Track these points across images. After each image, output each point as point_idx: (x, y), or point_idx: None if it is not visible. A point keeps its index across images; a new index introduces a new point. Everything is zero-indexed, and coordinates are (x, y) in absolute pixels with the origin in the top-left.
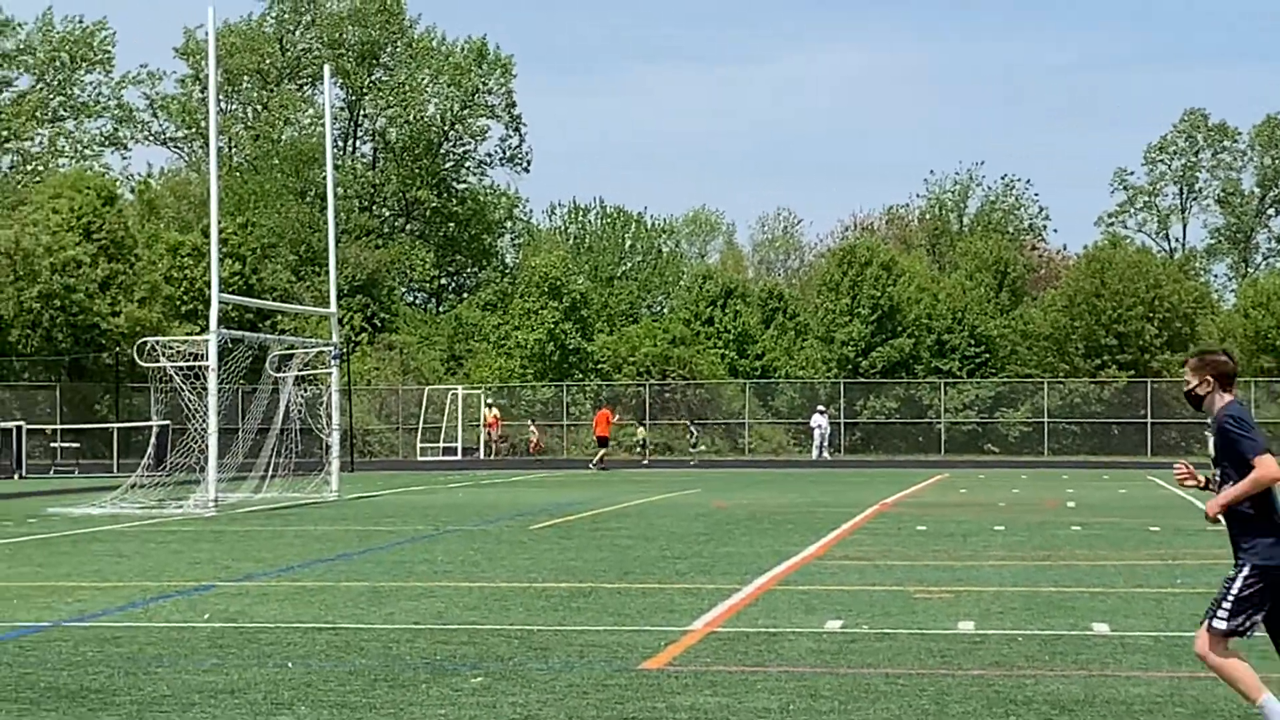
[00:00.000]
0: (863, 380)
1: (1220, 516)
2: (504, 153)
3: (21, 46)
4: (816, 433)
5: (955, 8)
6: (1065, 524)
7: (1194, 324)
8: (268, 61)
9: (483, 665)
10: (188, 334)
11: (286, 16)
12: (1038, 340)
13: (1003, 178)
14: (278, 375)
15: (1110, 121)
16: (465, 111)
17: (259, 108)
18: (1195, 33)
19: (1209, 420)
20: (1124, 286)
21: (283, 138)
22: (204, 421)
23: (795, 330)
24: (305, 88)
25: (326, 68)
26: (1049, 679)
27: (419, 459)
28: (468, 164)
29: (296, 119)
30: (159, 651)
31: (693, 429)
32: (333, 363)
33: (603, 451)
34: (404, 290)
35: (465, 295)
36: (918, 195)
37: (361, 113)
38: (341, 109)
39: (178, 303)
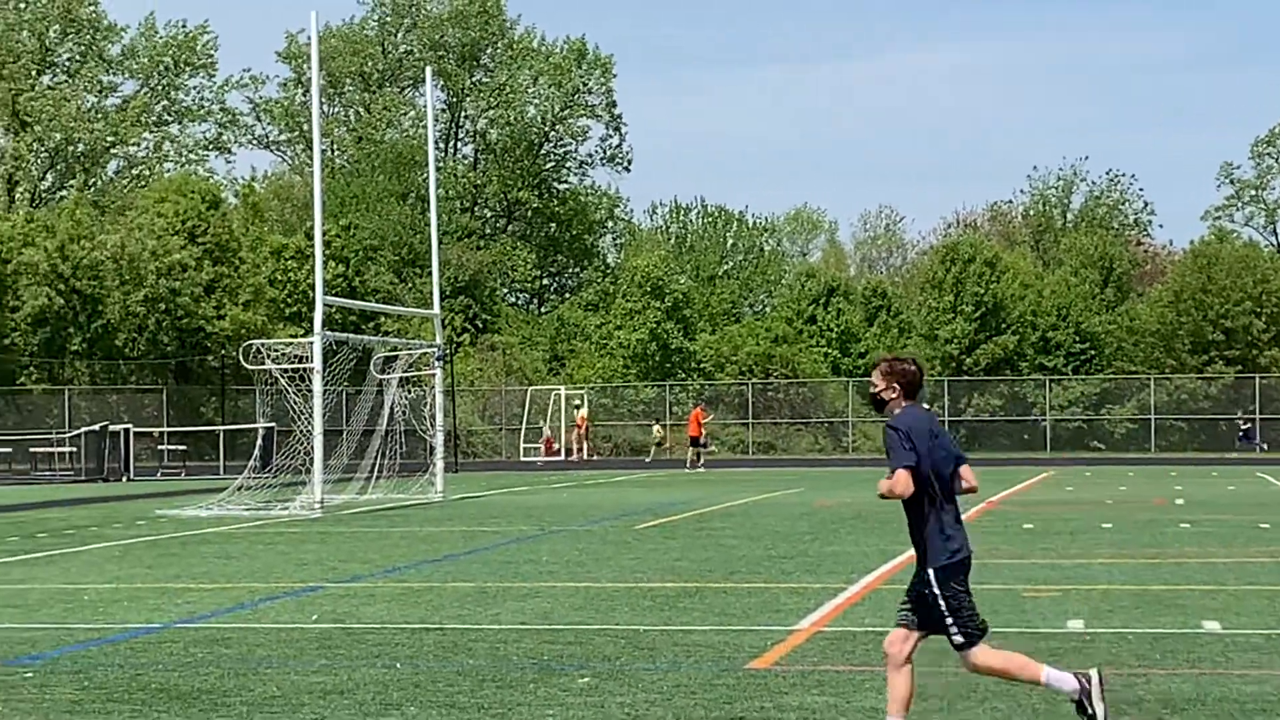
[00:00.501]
0: (966, 378)
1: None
2: (605, 152)
3: (126, 52)
4: None
5: (1059, 3)
6: (1174, 521)
7: None
8: (369, 64)
9: (590, 665)
10: (292, 336)
11: (388, 19)
12: (1144, 336)
13: (1107, 173)
14: (382, 377)
15: (1216, 115)
16: (566, 112)
17: (361, 110)
18: None
19: None
20: (1231, 281)
21: (384, 140)
22: (309, 423)
23: (898, 328)
24: (406, 90)
25: (428, 70)
26: (1160, 678)
27: (522, 459)
28: (568, 164)
29: (398, 121)
30: (268, 653)
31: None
32: (436, 364)
33: (694, 451)
34: (506, 291)
35: (567, 295)
36: (1021, 191)
37: (463, 114)
38: (443, 110)
39: (282, 305)
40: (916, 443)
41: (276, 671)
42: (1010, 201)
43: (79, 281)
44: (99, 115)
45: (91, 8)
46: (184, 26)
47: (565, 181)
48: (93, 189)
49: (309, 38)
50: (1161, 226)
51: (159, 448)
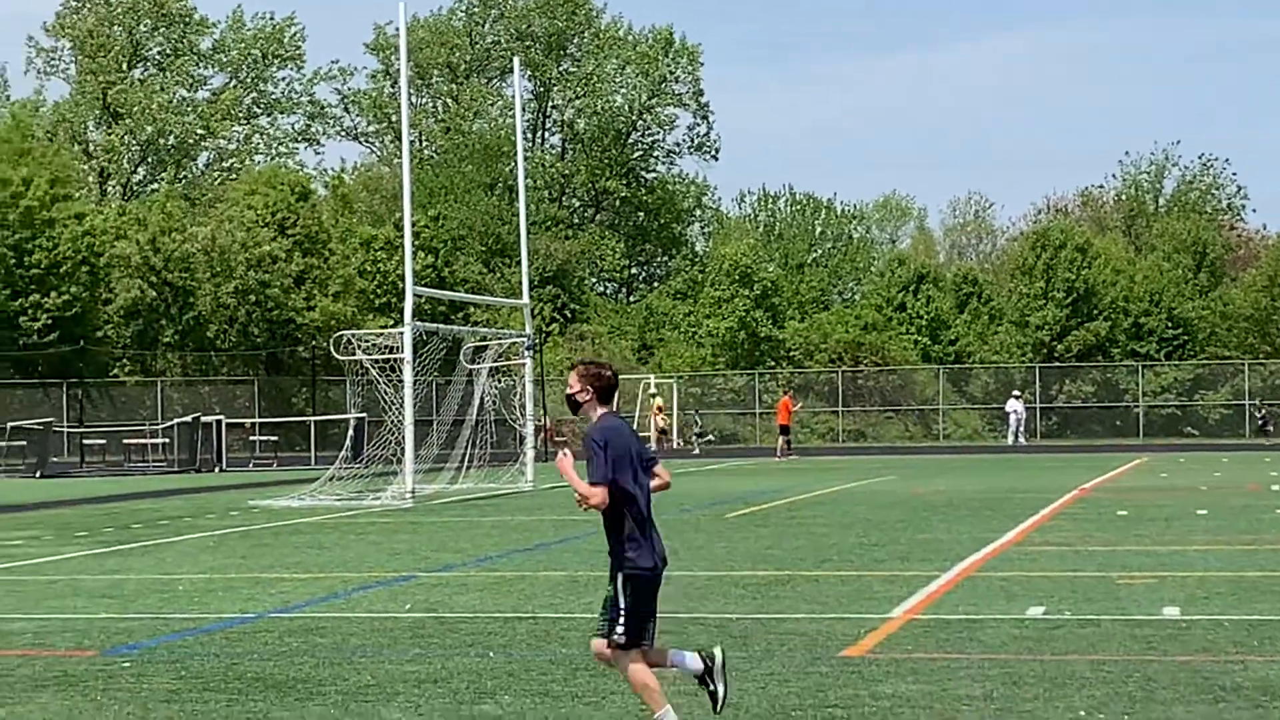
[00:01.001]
0: (1058, 364)
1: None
2: (692, 141)
3: (215, 45)
4: (1012, 418)
5: None
6: (1270, 507)
7: None
8: (457, 55)
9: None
10: (382, 327)
11: (475, 10)
12: (1238, 321)
13: (1200, 157)
14: (472, 367)
15: None
16: (653, 100)
17: (449, 101)
18: None
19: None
20: None
21: (472, 130)
22: (400, 414)
23: (989, 314)
24: (494, 80)
25: (516, 60)
26: (1257, 664)
27: (706, 446)
28: (656, 153)
29: (485, 111)
30: (362, 642)
31: (697, 418)
32: (526, 354)
33: (784, 440)
34: (594, 280)
35: (655, 284)
36: (1112, 176)
37: (550, 104)
38: (530, 100)
39: (371, 296)
40: (614, 451)
41: (371, 660)
42: (1101, 186)
43: (170, 274)
44: (189, 108)
45: (181, 2)
46: (272, 19)
47: (653, 170)
48: (183, 181)
49: (397, 29)
50: (1255, 211)
51: (251, 438)
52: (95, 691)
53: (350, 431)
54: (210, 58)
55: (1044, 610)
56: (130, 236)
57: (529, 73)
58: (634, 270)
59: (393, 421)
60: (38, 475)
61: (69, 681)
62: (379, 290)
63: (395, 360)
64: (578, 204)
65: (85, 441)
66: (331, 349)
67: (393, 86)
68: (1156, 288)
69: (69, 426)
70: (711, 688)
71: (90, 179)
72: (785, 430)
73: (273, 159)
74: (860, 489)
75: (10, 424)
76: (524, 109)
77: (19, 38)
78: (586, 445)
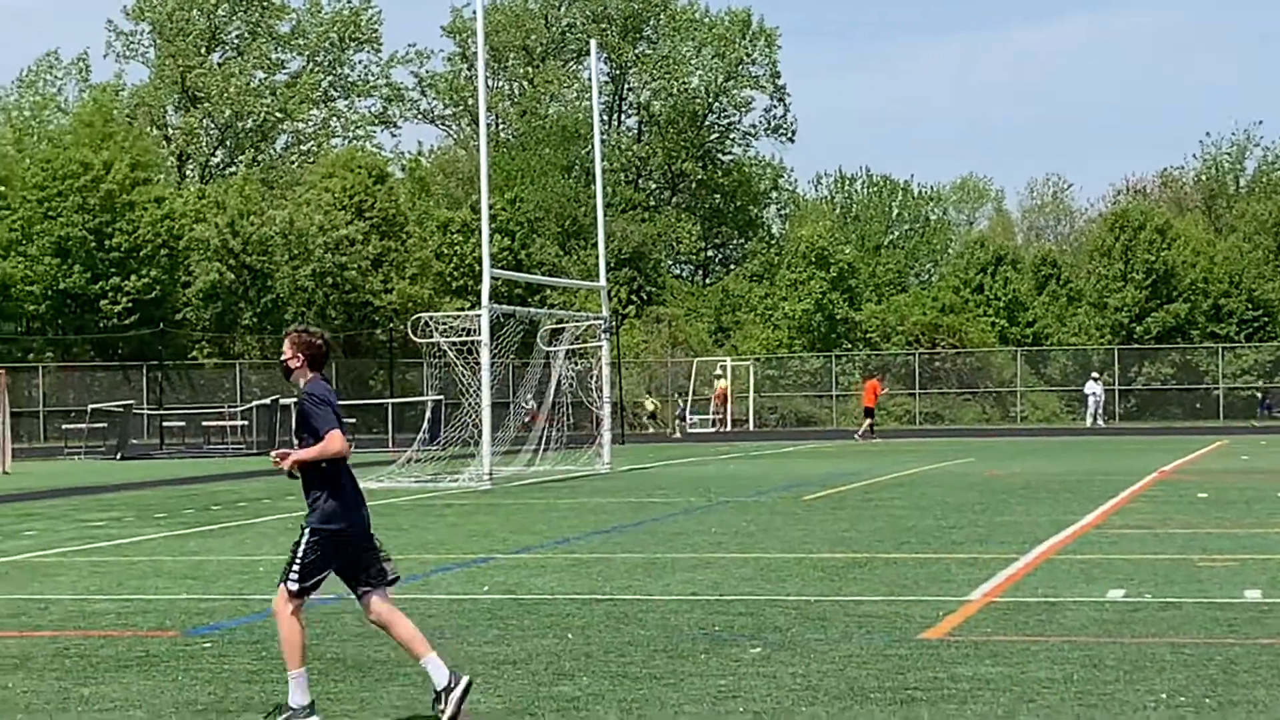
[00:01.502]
0: (1137, 346)
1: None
2: (769, 123)
3: (293, 29)
4: (1090, 400)
5: None
6: None
7: None
8: (533, 38)
9: (761, 636)
10: (459, 309)
11: None
12: None
13: None
14: (549, 349)
15: None
16: (729, 83)
17: (525, 84)
18: None
19: None
20: None
21: (549, 113)
22: (477, 396)
23: (1067, 296)
24: (570, 63)
25: (592, 42)
26: None
27: (689, 430)
28: (732, 135)
29: (562, 94)
30: (440, 623)
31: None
32: (603, 336)
33: (868, 422)
34: (670, 263)
35: (732, 266)
36: (1192, 157)
37: (626, 86)
38: (606, 83)
39: (448, 279)
40: (336, 411)
41: (449, 642)
42: (1181, 167)
43: (249, 256)
44: (267, 91)
45: None
46: (349, 3)
47: (729, 153)
48: (261, 165)
49: (474, 12)
50: None
51: None
52: (177, 672)
53: (427, 414)
54: (288, 41)
55: (1124, 593)
56: (209, 219)
57: (605, 55)
58: (710, 253)
59: (470, 404)
60: (118, 457)
61: (151, 662)
62: (456, 273)
63: (472, 342)
64: (654, 186)
65: (165, 424)
66: (409, 331)
67: (469, 69)
68: (1236, 269)
69: (149, 409)
70: (440, 708)
71: (169, 162)
72: (870, 412)
73: (350, 142)
74: (937, 471)
75: (91, 406)
76: (600, 91)
77: (99, 22)
78: (304, 405)
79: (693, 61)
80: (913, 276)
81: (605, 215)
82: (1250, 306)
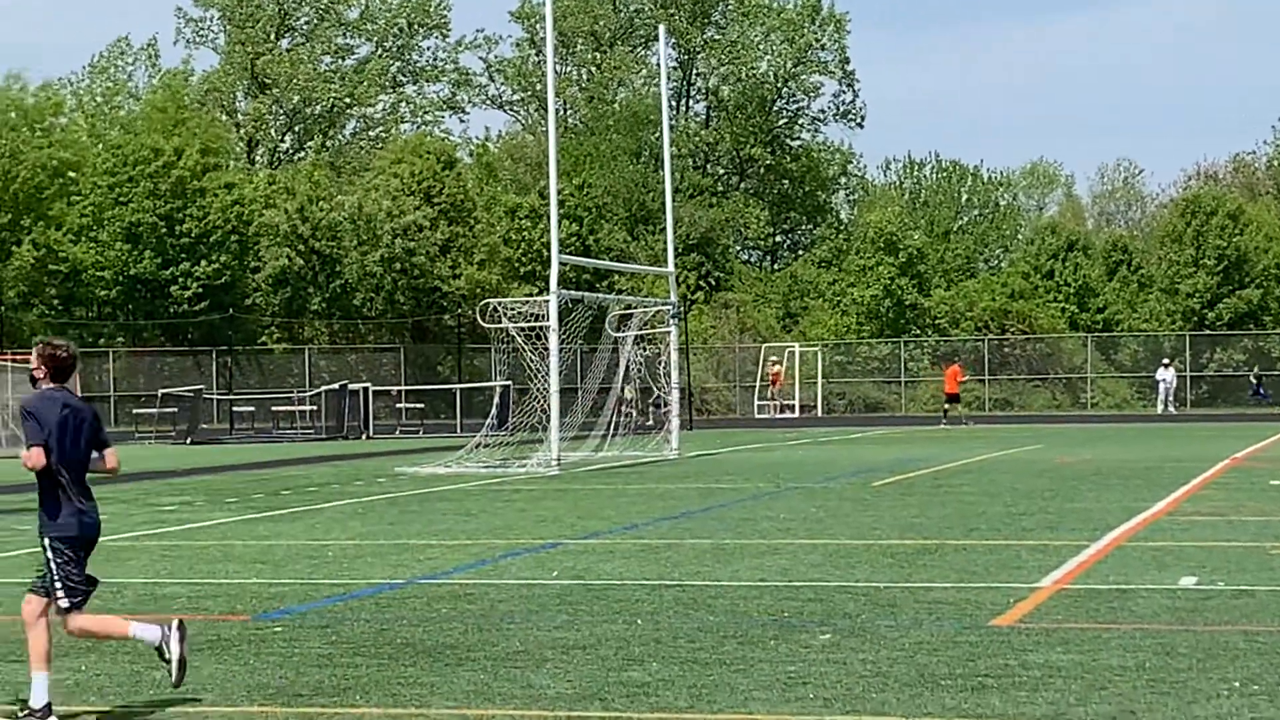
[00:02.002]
0: (1208, 332)
1: None
2: (837, 109)
3: (362, 14)
4: (1161, 386)
5: None
6: None
7: None
8: (601, 23)
9: (830, 622)
10: (527, 295)
11: None
12: None
13: None
14: (617, 335)
15: None
16: (798, 68)
17: (593, 69)
18: None
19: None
20: None
21: (617, 99)
22: (545, 381)
23: (1138, 282)
24: (638, 49)
25: (661, 27)
26: None
27: (756, 416)
28: (801, 121)
29: (630, 80)
30: (510, 608)
31: (655, 386)
32: (671, 322)
33: (953, 407)
34: (739, 248)
35: (800, 252)
36: (1264, 142)
37: (694, 71)
38: (675, 68)
39: (516, 264)
40: (44, 424)
41: (519, 627)
42: (1254, 152)
43: (318, 242)
44: (335, 77)
45: None
46: None
47: (797, 138)
48: (330, 150)
49: None
50: None
51: (397, 406)
52: (248, 655)
53: (496, 399)
54: (357, 27)
55: (1196, 580)
56: (279, 205)
57: (674, 40)
58: (778, 238)
59: (538, 389)
60: (188, 442)
61: (223, 645)
62: (524, 258)
63: (541, 328)
64: (722, 172)
65: (234, 409)
66: (477, 317)
67: (538, 55)
68: None
69: (218, 394)
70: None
71: (238, 148)
72: (954, 399)
73: (418, 127)
74: (1007, 458)
75: (162, 391)
76: (669, 77)
77: (168, 8)
78: (21, 417)
79: (761, 46)
80: (982, 262)
81: (674, 200)
82: None
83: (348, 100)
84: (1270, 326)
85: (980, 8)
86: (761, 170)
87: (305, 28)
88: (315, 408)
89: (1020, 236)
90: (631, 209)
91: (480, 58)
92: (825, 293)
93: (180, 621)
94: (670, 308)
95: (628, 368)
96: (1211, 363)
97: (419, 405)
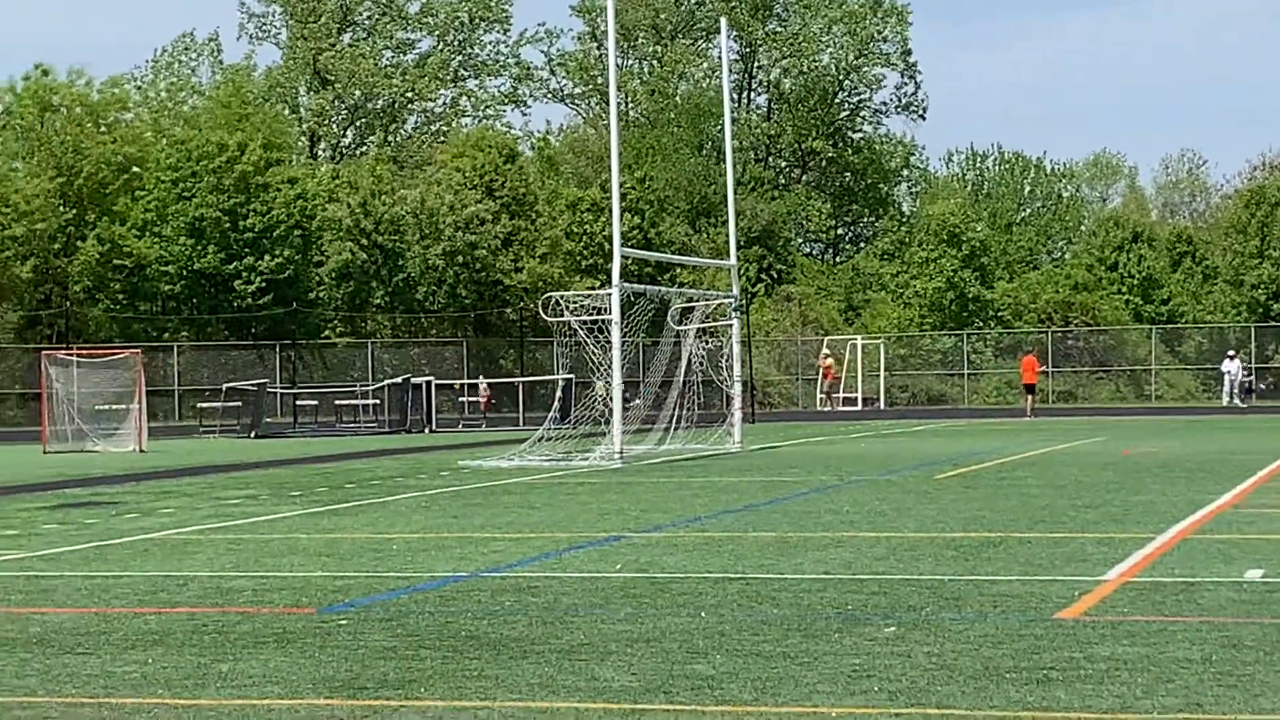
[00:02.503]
0: (1274, 324)
1: None
2: (899, 101)
3: (423, 9)
4: (1227, 379)
5: None
6: None
7: None
8: (663, 16)
9: (895, 615)
10: (589, 288)
11: None
12: None
13: None
14: (679, 328)
15: None
16: (860, 60)
17: (654, 62)
18: None
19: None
20: None
21: (678, 92)
22: (608, 374)
23: (1202, 274)
24: (699, 41)
25: (723, 20)
26: None
27: (819, 409)
28: (863, 113)
29: (691, 73)
30: (574, 601)
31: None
32: (733, 315)
33: (1032, 399)
34: (800, 241)
35: (862, 245)
36: None
37: (756, 64)
38: (736, 61)
39: (578, 257)
40: None
41: (583, 620)
42: None
43: (380, 236)
44: (397, 71)
45: None
46: None
47: (859, 130)
48: (392, 145)
49: None
50: None
51: (460, 399)
52: (313, 648)
53: (558, 392)
54: (418, 21)
55: (1263, 573)
56: (341, 199)
57: (735, 33)
58: (840, 231)
59: (600, 382)
60: (252, 436)
61: (288, 638)
62: (586, 251)
63: (603, 321)
64: (784, 164)
65: (298, 402)
66: (540, 310)
67: (599, 48)
68: None
69: (282, 387)
70: None
71: (300, 143)
72: (1031, 389)
73: (479, 121)
74: (1071, 450)
75: (226, 385)
76: (730, 69)
77: (231, 4)
78: None
79: (823, 39)
80: (1045, 254)
81: (735, 193)
82: None
83: (409, 95)
84: None
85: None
86: (823, 163)
87: (367, 23)
88: (378, 401)
89: (1084, 228)
90: (693, 202)
91: (541, 51)
92: (888, 285)
93: None
94: (732, 301)
95: (690, 361)
96: (1278, 354)
97: (480, 400)
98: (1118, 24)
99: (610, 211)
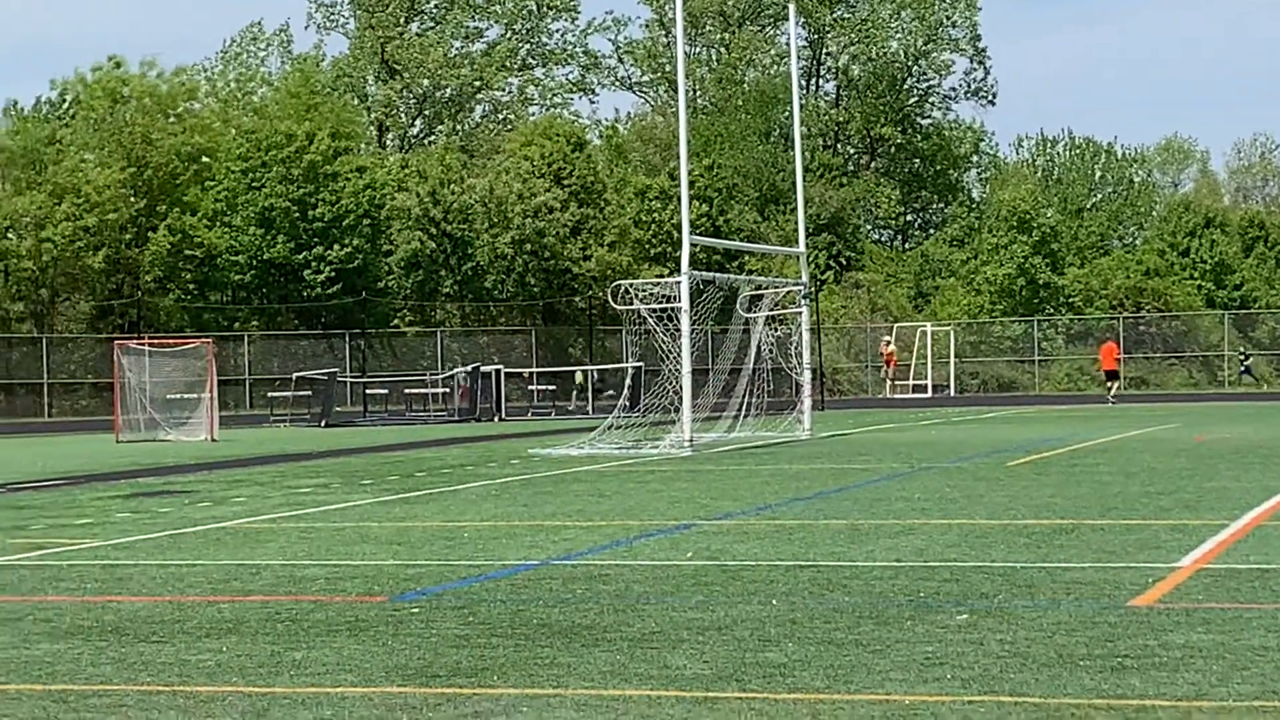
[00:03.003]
0: None
1: None
2: (968, 86)
3: None
4: None
5: None
6: None
7: None
8: (730, 3)
9: (967, 603)
10: (658, 276)
11: None
12: None
13: None
14: (748, 315)
15: None
16: (929, 46)
17: (722, 50)
18: None
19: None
20: None
21: (746, 79)
22: (677, 362)
23: (1275, 259)
24: (767, 28)
25: (791, 6)
26: None
27: (889, 396)
28: (932, 99)
29: (758, 60)
30: (645, 589)
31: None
32: (803, 302)
33: (1114, 385)
34: (869, 228)
35: (931, 231)
36: None
37: (824, 50)
38: (804, 47)
39: (646, 245)
40: None
41: (654, 608)
42: None
43: (449, 225)
44: (465, 61)
45: None
46: None
47: (928, 116)
48: (460, 134)
49: None
50: None
51: (529, 388)
52: (386, 636)
53: (627, 380)
54: (486, 10)
55: None
56: (410, 189)
57: (803, 19)
58: (909, 217)
59: (670, 370)
60: (322, 425)
61: (360, 626)
62: (654, 239)
63: (672, 309)
64: (852, 151)
65: (368, 391)
66: (609, 298)
67: (666, 36)
68: None
69: (351, 377)
70: None
71: (369, 132)
72: (1112, 375)
73: (547, 110)
74: (1143, 437)
75: (296, 374)
76: (798, 56)
77: None
78: None
79: (891, 25)
80: (1116, 240)
81: (804, 180)
82: None
83: (476, 84)
84: None
85: None
86: (892, 149)
87: (434, 12)
88: (448, 390)
89: (1155, 213)
90: (761, 189)
91: (609, 39)
92: (957, 272)
93: None
94: (801, 288)
95: (759, 349)
96: None
97: (551, 387)
98: (1189, 6)
99: (679, 199)
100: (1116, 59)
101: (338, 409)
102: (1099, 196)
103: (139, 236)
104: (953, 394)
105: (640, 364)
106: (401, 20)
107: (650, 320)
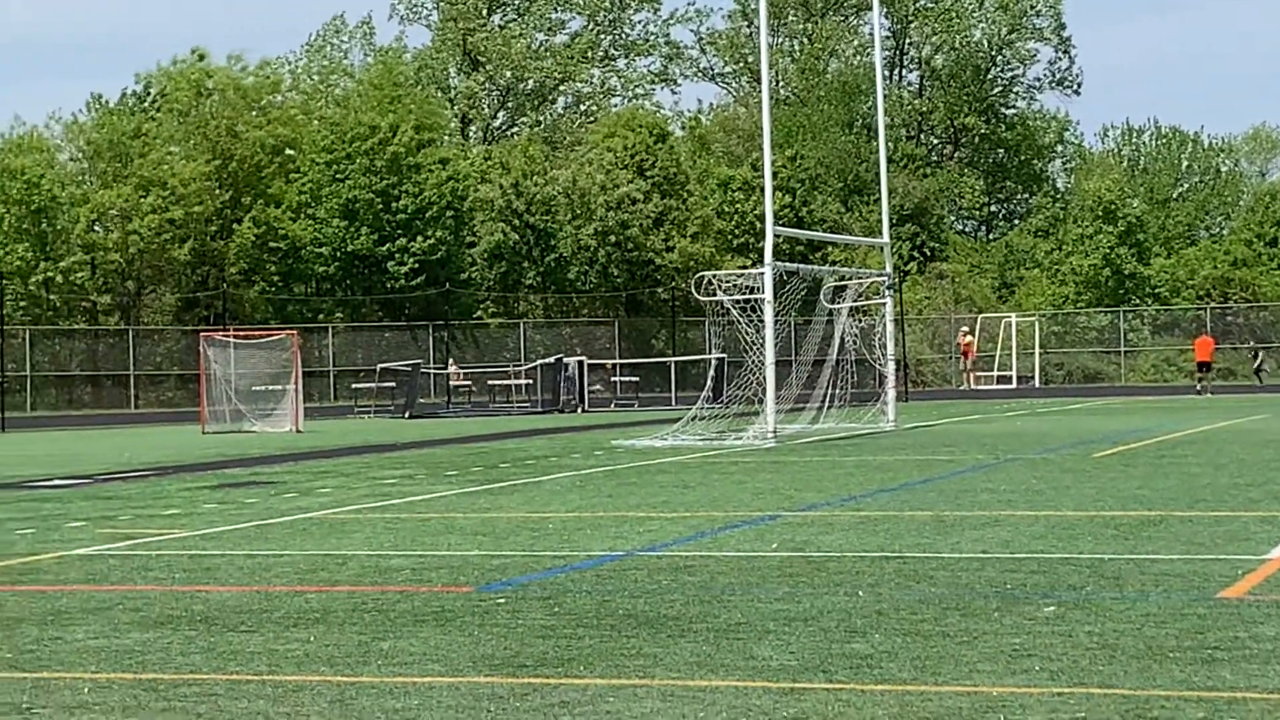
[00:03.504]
0: None
1: None
2: (1053, 76)
3: None
4: None
5: None
6: None
7: None
8: None
9: (1054, 594)
10: (741, 267)
11: None
12: None
13: None
14: (832, 306)
15: None
16: (1013, 35)
17: (805, 40)
18: None
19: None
20: None
21: (829, 69)
22: (760, 354)
23: None
24: (850, 18)
25: None
26: None
27: (973, 388)
28: (1016, 89)
29: (841, 50)
30: (730, 580)
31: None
32: (886, 293)
33: (1205, 376)
34: (953, 218)
35: (1016, 222)
36: None
37: (907, 40)
38: (887, 37)
39: (729, 237)
40: None
41: (739, 599)
42: None
43: (532, 216)
44: (547, 52)
45: None
46: None
47: (1012, 106)
48: (542, 125)
49: None
50: None
51: (612, 379)
52: (472, 626)
53: (711, 372)
54: (568, 2)
55: None
56: (493, 180)
57: (886, 9)
58: (993, 208)
59: (753, 361)
60: (406, 416)
61: (446, 616)
62: (737, 230)
63: (756, 300)
64: (936, 141)
65: (451, 382)
66: (692, 289)
67: (749, 27)
68: None
69: (435, 368)
70: None
71: (452, 124)
72: (1205, 366)
73: (630, 101)
74: (1231, 428)
75: (380, 366)
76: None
77: None
78: None
79: (975, 14)
80: (1203, 230)
81: (887, 171)
82: None
83: (559, 75)
84: None
85: None
86: (976, 139)
87: (516, 4)
88: (531, 381)
89: (1242, 203)
90: (845, 180)
91: (691, 30)
92: (1042, 262)
93: None
94: (885, 279)
95: (843, 340)
96: None
97: (634, 378)
98: None
99: (762, 190)
100: (1203, 47)
101: (421, 400)
102: (1185, 186)
103: (224, 229)
104: (1037, 385)
105: (723, 355)
106: (484, 12)
107: (734, 311)
